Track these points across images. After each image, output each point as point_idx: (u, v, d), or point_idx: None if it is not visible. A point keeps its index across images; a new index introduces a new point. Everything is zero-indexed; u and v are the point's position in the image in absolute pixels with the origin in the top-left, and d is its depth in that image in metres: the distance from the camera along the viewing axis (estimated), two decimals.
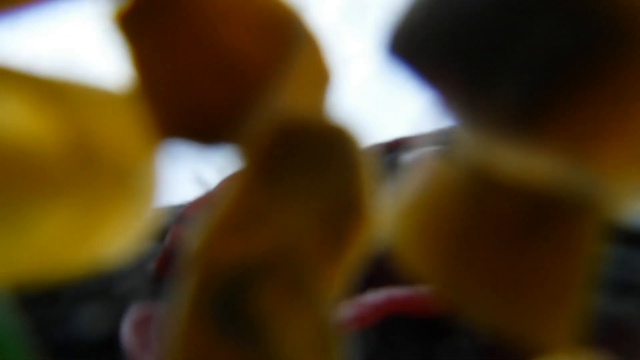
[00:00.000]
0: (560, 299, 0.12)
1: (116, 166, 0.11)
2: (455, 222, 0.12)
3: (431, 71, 0.11)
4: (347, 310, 0.19)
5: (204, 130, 0.12)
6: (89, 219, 0.10)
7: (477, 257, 0.12)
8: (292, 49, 0.12)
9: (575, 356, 0.12)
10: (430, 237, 0.12)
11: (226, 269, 0.11)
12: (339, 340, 0.11)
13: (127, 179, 0.11)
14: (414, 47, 0.11)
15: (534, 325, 0.12)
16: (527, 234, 0.12)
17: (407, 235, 0.12)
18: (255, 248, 0.11)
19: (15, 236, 0.10)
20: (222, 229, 0.11)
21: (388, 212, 0.13)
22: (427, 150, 0.12)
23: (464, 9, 0.10)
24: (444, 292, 0.12)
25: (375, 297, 0.20)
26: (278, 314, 0.11)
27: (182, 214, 0.24)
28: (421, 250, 0.12)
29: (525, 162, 0.11)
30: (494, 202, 0.12)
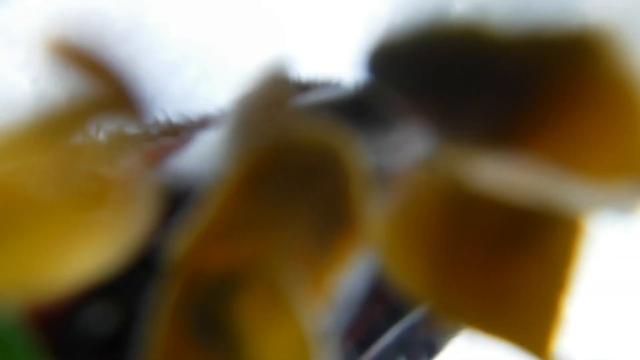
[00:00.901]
0: (545, 308, 0.12)
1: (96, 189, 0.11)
2: (440, 234, 0.12)
3: (408, 94, 0.11)
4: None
5: None
6: (69, 238, 0.11)
7: (463, 268, 0.12)
8: None
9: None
10: (416, 248, 0.12)
11: (208, 277, 0.11)
12: (319, 350, 0.11)
13: (112, 201, 0.11)
14: (391, 74, 0.11)
15: (520, 333, 0.12)
16: (511, 245, 0.12)
17: (394, 246, 0.12)
18: (238, 256, 0.11)
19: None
20: (206, 236, 0.12)
21: (375, 223, 0.13)
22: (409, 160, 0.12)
23: (436, 49, 0.10)
24: (431, 302, 0.12)
25: None
26: (257, 322, 0.11)
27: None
28: (407, 262, 0.12)
29: (505, 176, 0.11)
30: (478, 214, 0.12)
